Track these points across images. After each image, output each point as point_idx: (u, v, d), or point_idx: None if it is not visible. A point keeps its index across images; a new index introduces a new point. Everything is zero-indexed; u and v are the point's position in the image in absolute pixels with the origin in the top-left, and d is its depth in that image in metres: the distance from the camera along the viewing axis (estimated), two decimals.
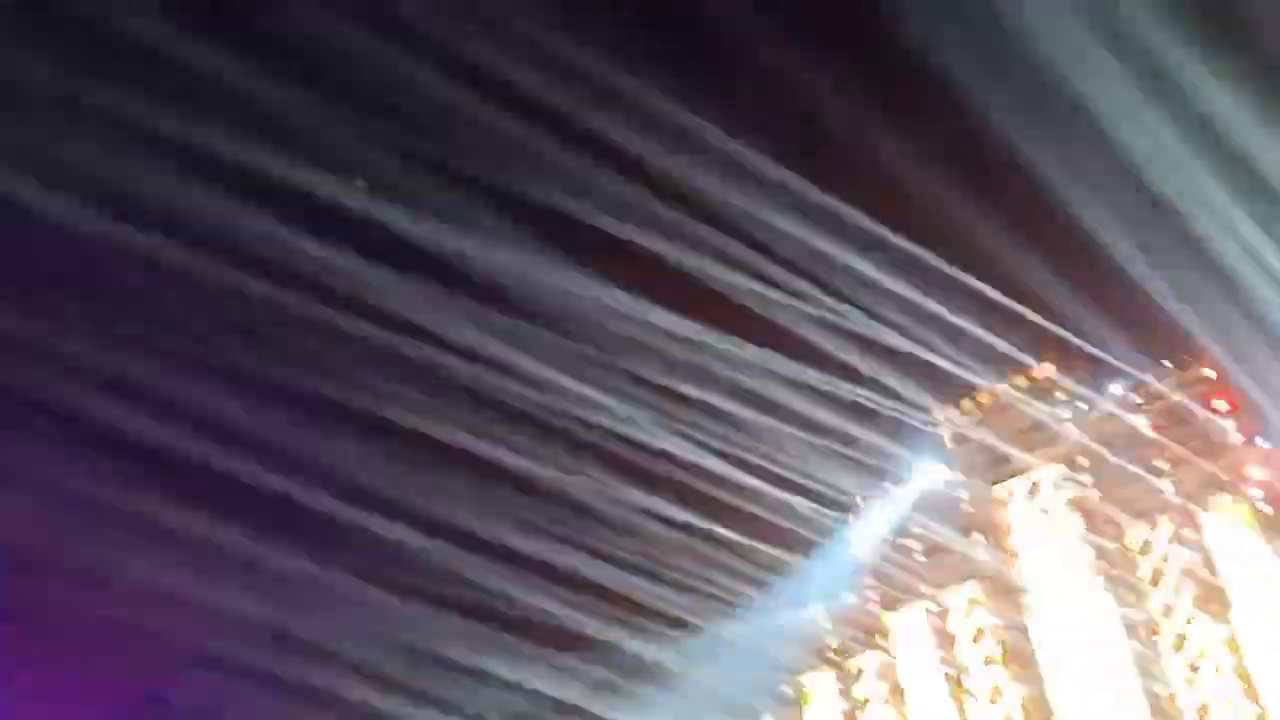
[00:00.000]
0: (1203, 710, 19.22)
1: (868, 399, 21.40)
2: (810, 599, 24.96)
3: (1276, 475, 20.05)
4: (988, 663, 22.42)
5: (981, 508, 23.46)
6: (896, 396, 21.68)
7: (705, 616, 23.00)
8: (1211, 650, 19.40)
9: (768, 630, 24.60)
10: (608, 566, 22.12)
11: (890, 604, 24.16)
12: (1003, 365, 21.84)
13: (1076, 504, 21.89)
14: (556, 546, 22.11)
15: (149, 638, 21.40)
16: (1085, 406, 22.24)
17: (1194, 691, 19.38)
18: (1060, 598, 21.36)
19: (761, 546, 22.97)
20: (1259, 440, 20.55)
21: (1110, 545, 21.31)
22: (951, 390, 22.98)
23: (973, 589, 23.16)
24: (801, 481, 22.22)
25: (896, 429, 22.64)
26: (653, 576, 22.31)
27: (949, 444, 24.05)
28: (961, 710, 22.30)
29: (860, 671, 24.29)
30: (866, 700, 24.01)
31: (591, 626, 22.72)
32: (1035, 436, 22.56)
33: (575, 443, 21.93)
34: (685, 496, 22.07)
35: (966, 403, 23.69)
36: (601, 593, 22.26)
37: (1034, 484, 22.58)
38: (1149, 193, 17.78)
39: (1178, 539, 20.56)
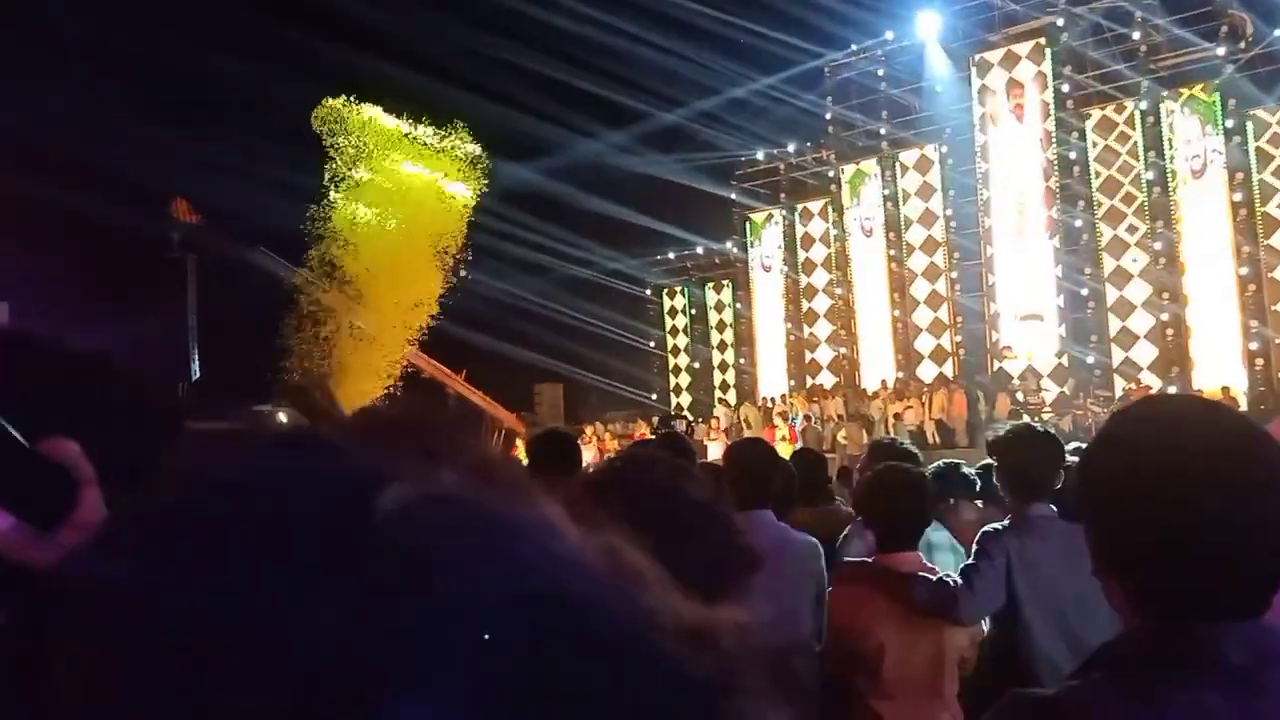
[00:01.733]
0: None
1: None
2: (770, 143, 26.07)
3: None
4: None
5: (956, 72, 23.67)
6: None
7: None
8: None
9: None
10: None
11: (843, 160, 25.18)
12: None
13: (1045, 79, 22.08)
14: None
15: None
16: None
17: None
18: (1009, 164, 22.55)
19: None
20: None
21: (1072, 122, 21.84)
22: None
23: (931, 151, 24.07)
24: None
25: None
26: None
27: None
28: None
29: (807, 210, 26.19)
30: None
31: None
32: (1024, 6, 22.16)
33: None
34: None
35: None
36: None
37: (1010, 52, 22.49)
38: None
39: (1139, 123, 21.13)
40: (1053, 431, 3.78)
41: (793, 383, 25.55)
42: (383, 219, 18.69)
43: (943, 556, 3.63)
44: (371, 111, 18.37)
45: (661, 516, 1.11)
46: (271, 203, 18.68)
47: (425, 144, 18.63)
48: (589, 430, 22.18)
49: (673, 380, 29.29)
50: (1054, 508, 3.21)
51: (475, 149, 18.92)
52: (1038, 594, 3.08)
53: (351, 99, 18.22)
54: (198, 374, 18.98)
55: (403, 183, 18.62)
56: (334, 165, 18.08)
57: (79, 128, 17.56)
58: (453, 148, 18.80)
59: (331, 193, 18.17)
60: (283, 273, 18.77)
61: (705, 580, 1.18)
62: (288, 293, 18.60)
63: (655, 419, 24.02)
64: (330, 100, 18.08)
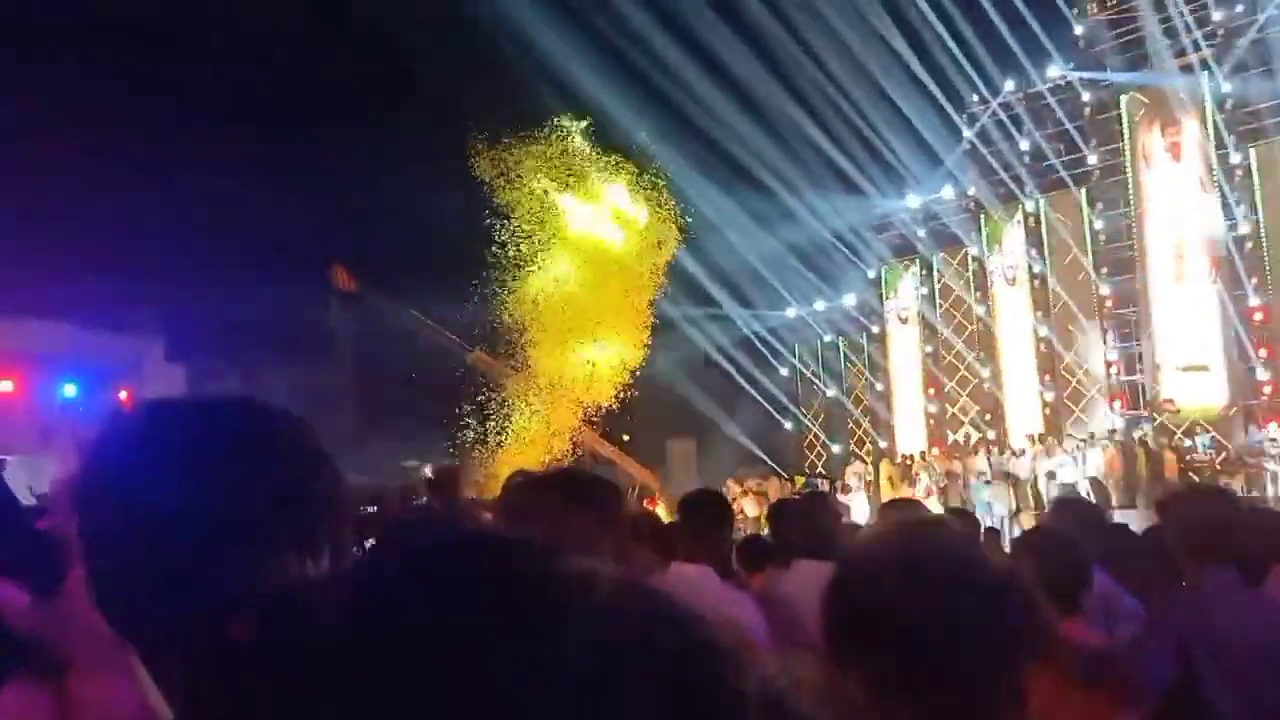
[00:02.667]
0: None
1: None
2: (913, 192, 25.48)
3: None
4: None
5: (1104, 111, 22.66)
6: None
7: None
8: None
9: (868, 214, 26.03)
10: None
11: (989, 206, 24.26)
12: None
13: (1200, 116, 20.91)
14: None
15: None
16: (1243, 9, 20.61)
17: None
18: (1165, 206, 21.25)
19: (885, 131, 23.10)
20: None
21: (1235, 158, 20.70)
22: None
23: (1080, 195, 23.00)
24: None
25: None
26: None
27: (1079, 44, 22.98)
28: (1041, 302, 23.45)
29: (946, 260, 25.21)
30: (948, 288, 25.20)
31: None
32: (1176, 42, 20.95)
33: None
34: None
35: None
36: None
37: (1166, 89, 21.30)
38: None
39: None
40: (1225, 489, 3.46)
41: (931, 438, 24.68)
42: (563, 281, 19.47)
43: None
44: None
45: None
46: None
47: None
48: (735, 486, 21.69)
49: (806, 435, 28.76)
50: (1235, 572, 2.90)
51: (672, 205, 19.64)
52: (1218, 666, 2.76)
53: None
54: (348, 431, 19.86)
55: (590, 244, 19.40)
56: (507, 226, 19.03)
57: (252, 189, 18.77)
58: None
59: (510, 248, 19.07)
60: (437, 338, 19.50)
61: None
62: (446, 357, 19.38)
63: (790, 475, 23.55)
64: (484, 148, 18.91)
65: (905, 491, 17.93)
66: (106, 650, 0.85)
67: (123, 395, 16.22)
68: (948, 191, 25.32)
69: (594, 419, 20.34)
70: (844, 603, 1.16)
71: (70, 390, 17.02)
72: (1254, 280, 20.12)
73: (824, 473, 25.09)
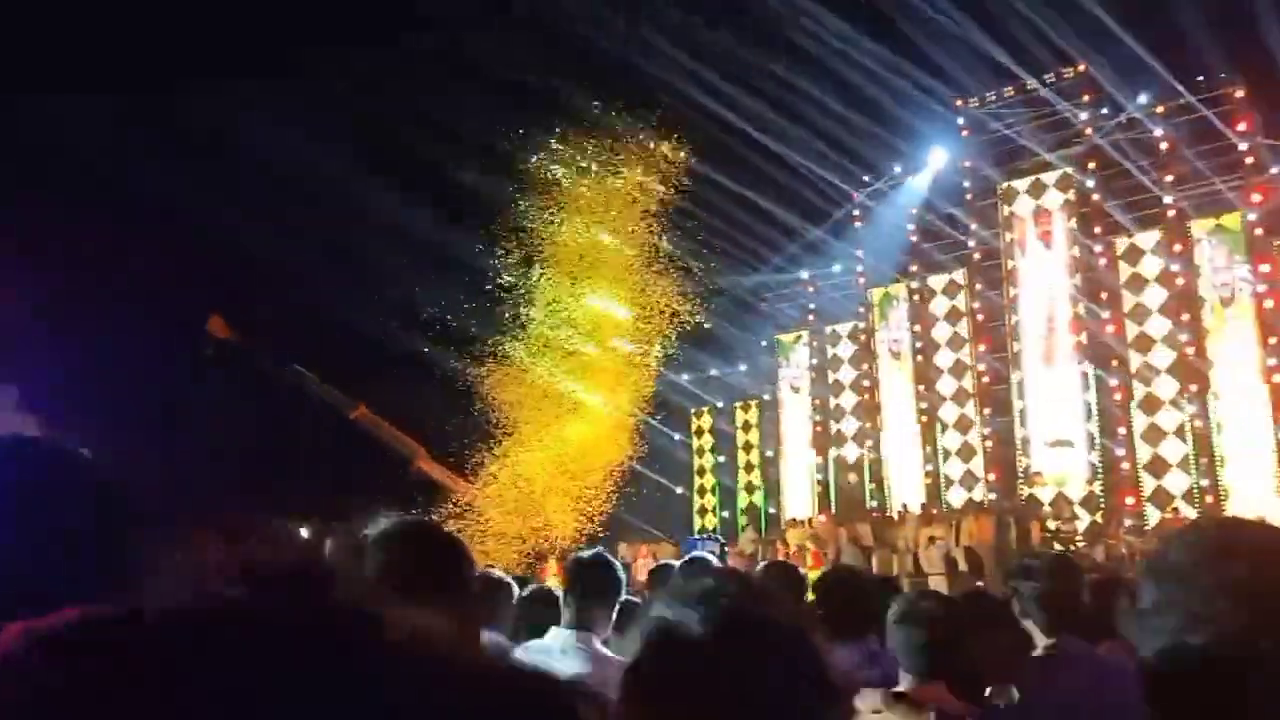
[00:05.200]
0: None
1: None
2: (804, 266, 26.56)
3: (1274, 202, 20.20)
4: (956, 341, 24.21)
5: (984, 199, 23.87)
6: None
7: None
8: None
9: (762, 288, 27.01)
10: None
11: (877, 281, 25.48)
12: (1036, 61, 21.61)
13: (1073, 206, 22.49)
14: None
15: None
16: (1107, 111, 21.91)
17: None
18: (1037, 290, 22.67)
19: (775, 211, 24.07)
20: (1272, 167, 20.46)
21: (1098, 249, 22.05)
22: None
23: (960, 274, 24.24)
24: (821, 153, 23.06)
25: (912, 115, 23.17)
26: None
27: (964, 133, 24.10)
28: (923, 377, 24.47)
29: (835, 333, 26.31)
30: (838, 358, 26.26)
31: None
32: (1051, 136, 22.55)
33: None
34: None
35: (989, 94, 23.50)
36: None
37: (1038, 181, 22.88)
38: None
39: (1166, 251, 21.25)
40: (1074, 560, 3.71)
41: (819, 506, 25.19)
42: None
43: None
44: None
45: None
46: None
47: None
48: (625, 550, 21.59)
49: (697, 501, 28.98)
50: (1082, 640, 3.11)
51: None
52: None
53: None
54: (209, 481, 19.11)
55: None
56: None
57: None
58: None
59: None
60: (313, 388, 19.07)
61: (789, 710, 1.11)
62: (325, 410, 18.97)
63: (678, 539, 23.62)
64: None
65: (788, 556, 18.20)
66: None
67: None
68: (838, 266, 26.29)
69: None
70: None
71: None
72: (1114, 361, 21.41)
73: (720, 539, 25.24)
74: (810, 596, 4.29)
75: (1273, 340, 19.64)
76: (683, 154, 21.91)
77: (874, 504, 24.09)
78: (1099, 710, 2.81)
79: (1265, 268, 20.10)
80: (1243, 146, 20.46)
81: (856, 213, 25.57)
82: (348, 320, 20.25)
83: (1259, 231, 20.27)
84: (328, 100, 21.48)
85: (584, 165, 22.05)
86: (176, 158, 20.01)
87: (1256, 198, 20.32)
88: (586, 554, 3.85)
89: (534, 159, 21.70)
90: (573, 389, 22.17)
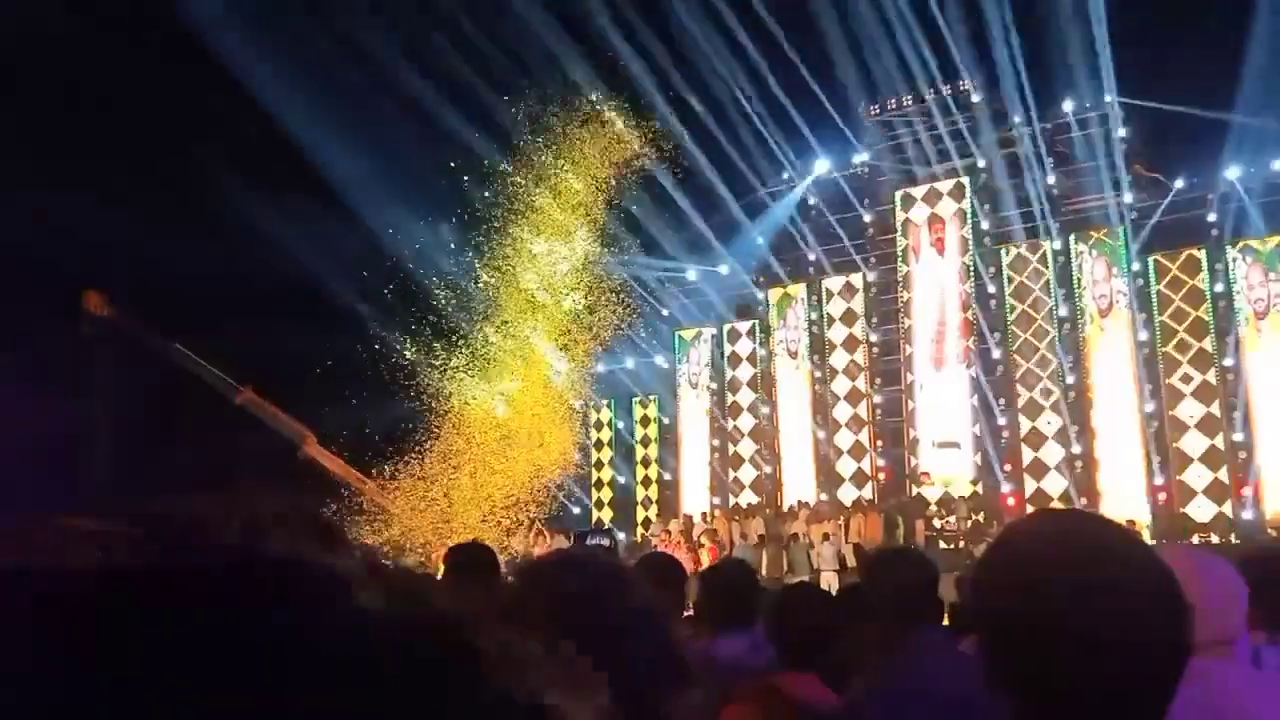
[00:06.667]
0: None
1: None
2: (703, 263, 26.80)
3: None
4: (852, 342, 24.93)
5: (881, 204, 24.71)
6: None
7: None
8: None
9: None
10: None
11: (775, 282, 25.92)
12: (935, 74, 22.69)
13: (965, 215, 23.30)
14: None
15: None
16: (1001, 124, 22.87)
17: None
18: (930, 295, 23.46)
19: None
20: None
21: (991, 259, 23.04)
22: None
23: (856, 279, 24.91)
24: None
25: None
26: None
27: (864, 139, 24.97)
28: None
29: (735, 331, 26.53)
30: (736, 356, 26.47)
31: None
32: (948, 146, 23.30)
33: None
34: None
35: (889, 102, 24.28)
36: None
37: (933, 189, 23.74)
38: None
39: (1053, 262, 22.40)
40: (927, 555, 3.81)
41: (716, 500, 25.45)
42: None
43: None
44: None
45: (596, 620, 1.16)
46: None
47: None
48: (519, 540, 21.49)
49: (595, 495, 28.95)
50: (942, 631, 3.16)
51: None
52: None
53: None
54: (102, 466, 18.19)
55: None
56: None
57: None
58: None
59: None
60: (196, 369, 18.34)
61: (637, 686, 1.13)
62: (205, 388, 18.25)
63: (575, 532, 23.57)
64: None
65: (684, 551, 18.35)
66: None
67: None
68: (735, 265, 26.60)
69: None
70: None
71: None
72: (1000, 369, 22.21)
73: (612, 529, 25.27)
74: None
75: (1146, 352, 20.66)
76: (592, 143, 21.78)
77: (762, 500, 24.44)
78: (955, 699, 2.85)
79: (1140, 281, 21.14)
80: (1121, 163, 21.47)
81: (756, 212, 25.90)
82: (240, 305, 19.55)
83: (1135, 246, 21.32)
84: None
85: (498, 152, 21.82)
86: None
87: (1133, 214, 21.35)
88: (464, 542, 4.01)
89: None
90: (477, 390, 21.89)
